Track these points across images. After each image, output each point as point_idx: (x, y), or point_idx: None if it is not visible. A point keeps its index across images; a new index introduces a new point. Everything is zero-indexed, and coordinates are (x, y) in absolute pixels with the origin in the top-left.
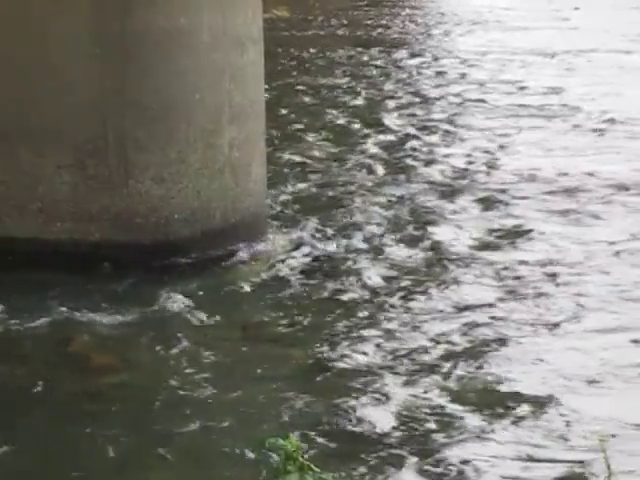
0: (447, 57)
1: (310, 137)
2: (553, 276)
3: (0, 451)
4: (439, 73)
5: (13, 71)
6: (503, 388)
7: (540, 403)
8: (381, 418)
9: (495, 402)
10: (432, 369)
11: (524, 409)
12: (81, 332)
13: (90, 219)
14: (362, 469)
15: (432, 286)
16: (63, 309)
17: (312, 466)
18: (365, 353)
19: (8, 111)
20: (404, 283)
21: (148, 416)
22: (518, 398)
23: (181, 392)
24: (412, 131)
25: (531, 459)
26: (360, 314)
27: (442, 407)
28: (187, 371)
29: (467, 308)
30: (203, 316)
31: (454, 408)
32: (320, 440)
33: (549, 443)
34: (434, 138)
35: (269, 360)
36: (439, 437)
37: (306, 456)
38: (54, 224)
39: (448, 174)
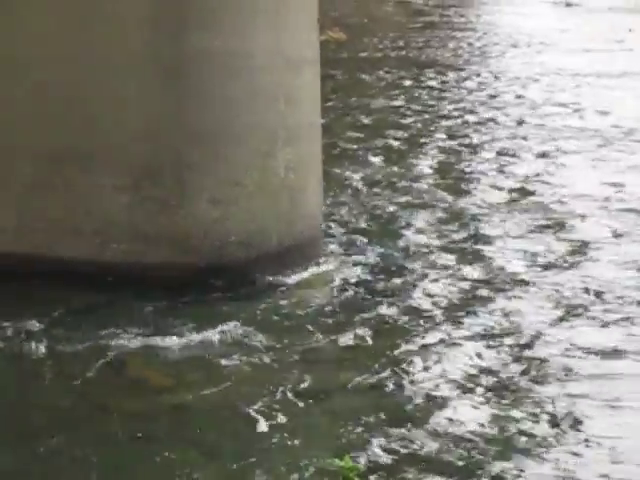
0: (501, 79)
1: (365, 157)
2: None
3: (59, 470)
4: (493, 95)
5: (72, 94)
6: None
7: None
8: (442, 441)
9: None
10: (502, 392)
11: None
12: (137, 354)
13: (146, 241)
14: None
15: (485, 305)
16: (119, 330)
17: None
18: (424, 372)
19: (65, 134)
20: (457, 302)
21: (204, 437)
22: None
23: (237, 413)
24: (465, 151)
25: None
26: (415, 334)
27: (508, 431)
28: (243, 393)
29: (521, 328)
30: (259, 338)
31: (516, 431)
32: (377, 461)
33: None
34: (487, 158)
35: (326, 382)
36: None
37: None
38: (110, 246)
39: (502, 194)
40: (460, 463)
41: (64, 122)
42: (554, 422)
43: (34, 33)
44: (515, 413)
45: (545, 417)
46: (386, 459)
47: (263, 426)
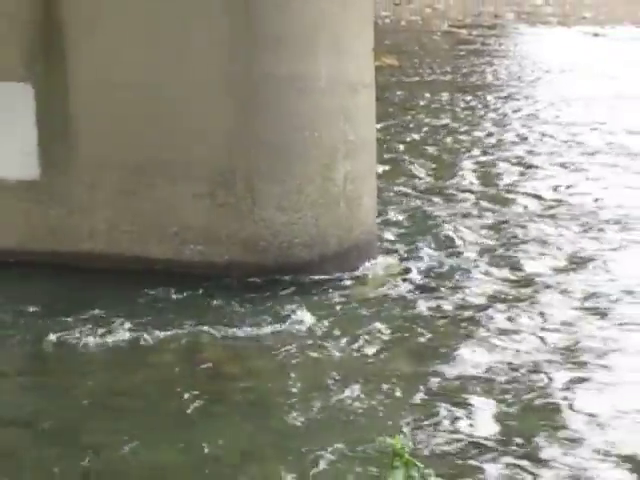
0: (537, 101)
1: (415, 170)
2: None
3: (138, 447)
4: (529, 115)
5: (155, 110)
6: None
7: None
8: (488, 425)
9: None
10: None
11: None
12: (212, 344)
13: (220, 242)
14: (463, 468)
15: (525, 304)
16: (196, 322)
17: (417, 462)
18: (470, 365)
19: (149, 147)
20: (500, 301)
21: (268, 418)
22: None
23: (299, 398)
24: (506, 166)
25: None
26: (461, 328)
27: (551, 415)
28: (306, 378)
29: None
30: (320, 330)
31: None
32: (428, 442)
33: None
34: (527, 172)
35: (382, 370)
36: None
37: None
38: (188, 247)
39: (541, 204)
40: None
41: (151, 137)
42: None
43: (127, 60)
44: None
45: None
46: (438, 440)
47: (321, 408)
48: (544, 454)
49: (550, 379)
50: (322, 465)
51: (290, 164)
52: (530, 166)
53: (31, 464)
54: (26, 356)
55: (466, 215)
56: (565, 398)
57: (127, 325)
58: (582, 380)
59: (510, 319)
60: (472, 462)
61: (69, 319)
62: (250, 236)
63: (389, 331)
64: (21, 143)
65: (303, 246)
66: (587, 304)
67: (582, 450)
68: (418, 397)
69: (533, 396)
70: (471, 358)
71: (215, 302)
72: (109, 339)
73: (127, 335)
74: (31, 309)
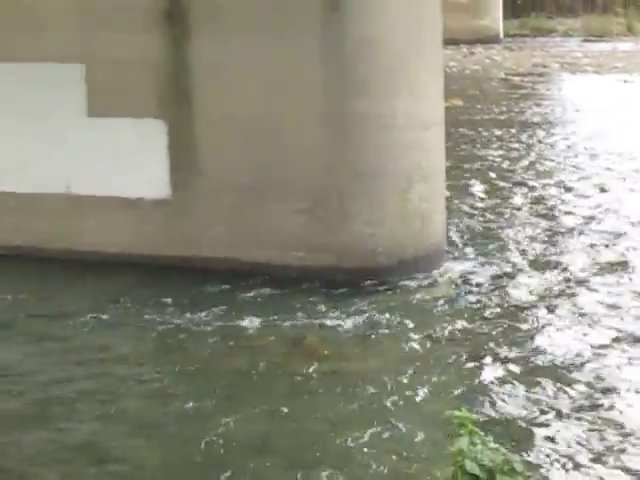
0: (577, 135)
1: (476, 192)
2: None
3: (240, 420)
4: (570, 146)
5: (265, 141)
6: None
7: None
8: (553, 400)
9: None
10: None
11: None
12: (310, 332)
13: (316, 250)
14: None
15: (568, 301)
16: (297, 315)
17: (479, 431)
18: (531, 350)
19: (260, 171)
20: (550, 299)
21: (353, 391)
22: None
23: (379, 375)
24: (551, 187)
25: None
26: (513, 319)
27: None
28: (385, 360)
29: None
30: (396, 321)
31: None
32: (490, 413)
33: None
34: (568, 193)
35: (451, 353)
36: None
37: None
38: (290, 253)
39: (584, 220)
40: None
41: (262, 162)
42: None
43: (245, 100)
44: None
45: None
46: (496, 411)
47: (397, 384)
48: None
49: (613, 360)
50: (398, 431)
51: (375, 187)
52: (570, 188)
53: (183, 432)
54: (165, 343)
55: (518, 228)
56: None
57: (244, 317)
58: None
59: (555, 311)
60: (534, 430)
61: (199, 312)
62: (341, 245)
63: (454, 321)
64: (156, 169)
65: (384, 254)
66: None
67: None
68: (483, 374)
69: (598, 374)
70: (529, 341)
71: (311, 299)
72: (226, 328)
73: (243, 324)
74: (169, 304)
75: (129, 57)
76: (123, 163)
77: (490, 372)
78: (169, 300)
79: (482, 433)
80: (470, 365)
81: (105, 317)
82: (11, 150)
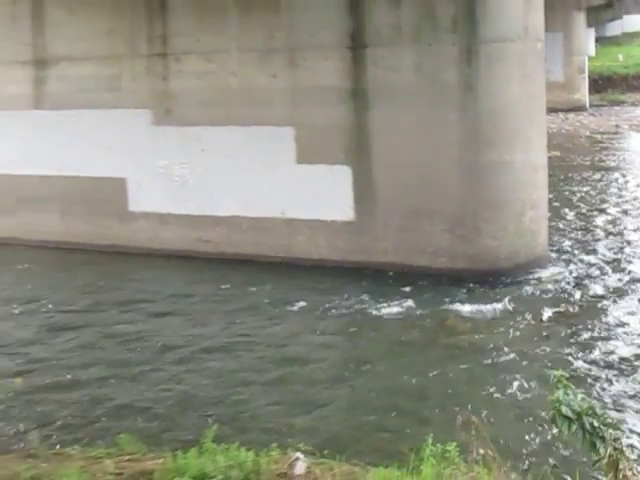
0: None
1: (569, 216)
2: None
3: (402, 374)
4: (638, 185)
5: (421, 179)
6: None
7: None
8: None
9: None
10: None
11: None
12: (452, 315)
13: (457, 257)
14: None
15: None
16: (442, 303)
17: (571, 385)
18: (609, 326)
19: (417, 201)
20: (621, 293)
21: (482, 358)
22: None
23: (500, 345)
24: (623, 214)
25: None
26: (598, 306)
27: None
28: (505, 334)
29: None
30: (513, 308)
31: None
32: (581, 375)
33: None
34: (637, 218)
35: (553, 330)
36: None
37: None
38: (439, 259)
39: None
40: None
41: (418, 195)
42: None
43: (405, 149)
44: None
45: None
46: (583, 372)
47: (521, 353)
48: None
49: None
50: (516, 384)
51: (499, 212)
52: (638, 215)
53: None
54: (348, 321)
55: (598, 242)
56: None
57: (407, 303)
58: None
59: (625, 301)
60: (611, 385)
61: (380, 300)
62: (475, 253)
63: (553, 306)
64: (344, 200)
65: (505, 259)
66: None
67: None
68: (573, 344)
69: None
70: (607, 320)
71: (452, 291)
72: (398, 311)
73: (407, 308)
74: (361, 296)
75: (325, 122)
76: (321, 196)
77: (578, 342)
78: (361, 293)
79: (573, 387)
80: (564, 337)
81: (309, 304)
82: (244, 186)
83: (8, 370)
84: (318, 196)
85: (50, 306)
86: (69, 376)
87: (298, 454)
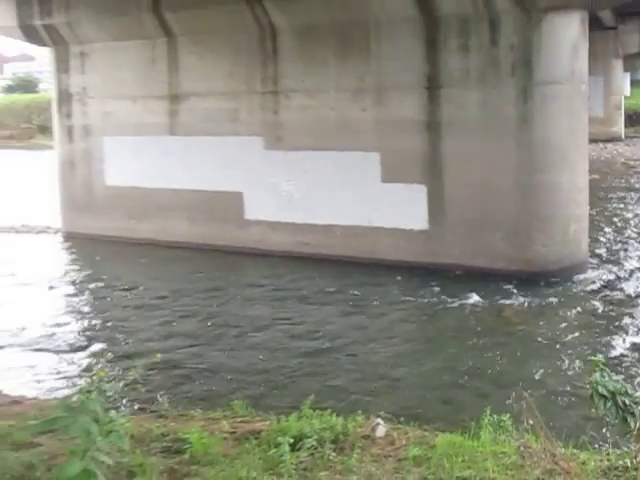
0: None
1: (607, 228)
2: None
3: (439, 367)
4: None
5: (481, 195)
6: None
7: None
8: None
9: None
10: None
11: None
12: (508, 307)
13: (512, 261)
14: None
15: None
16: (499, 297)
17: (607, 370)
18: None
19: (478, 213)
20: None
21: (532, 344)
22: None
23: (548, 334)
24: None
25: None
26: (630, 304)
27: None
28: (552, 325)
29: None
30: (557, 304)
31: None
32: (615, 360)
33: None
34: None
35: (592, 322)
36: None
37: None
38: (497, 262)
39: None
40: None
41: (480, 208)
42: None
43: (470, 172)
44: None
45: None
46: (616, 357)
47: (565, 343)
48: None
49: None
50: (560, 365)
51: (549, 225)
52: None
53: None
54: (420, 311)
55: (631, 251)
56: None
57: (468, 298)
58: None
59: None
60: None
61: (450, 294)
62: (527, 258)
63: (592, 303)
64: (420, 212)
65: (553, 264)
66: None
67: None
68: (609, 334)
69: None
70: (638, 316)
71: (505, 288)
72: (462, 304)
73: (471, 301)
74: (432, 290)
75: (405, 149)
76: (401, 208)
77: (614, 333)
78: (432, 288)
79: (608, 370)
80: (602, 328)
81: (389, 297)
82: (338, 200)
83: (155, 345)
84: (398, 209)
85: (179, 287)
86: (195, 349)
87: (379, 420)
